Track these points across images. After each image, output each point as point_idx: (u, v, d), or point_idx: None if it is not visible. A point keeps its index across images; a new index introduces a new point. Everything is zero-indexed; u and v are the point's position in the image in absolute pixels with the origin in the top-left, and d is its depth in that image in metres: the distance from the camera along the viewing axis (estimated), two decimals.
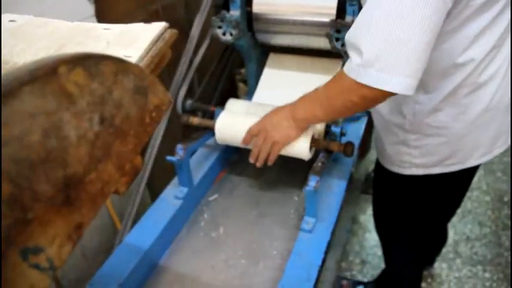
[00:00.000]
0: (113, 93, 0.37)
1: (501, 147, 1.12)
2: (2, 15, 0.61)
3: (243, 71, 2.19)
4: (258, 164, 1.12)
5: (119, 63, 0.38)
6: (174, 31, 0.50)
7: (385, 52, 0.79)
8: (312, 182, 1.04)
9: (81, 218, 0.35)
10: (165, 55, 0.49)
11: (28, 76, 0.30)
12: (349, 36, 0.87)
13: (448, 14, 0.82)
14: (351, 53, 0.86)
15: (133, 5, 1.66)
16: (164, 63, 0.49)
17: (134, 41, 0.49)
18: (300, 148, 1.10)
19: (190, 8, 1.93)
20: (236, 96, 2.16)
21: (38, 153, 0.30)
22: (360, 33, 0.83)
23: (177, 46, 1.89)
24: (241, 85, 2.22)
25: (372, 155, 1.96)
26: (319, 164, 1.09)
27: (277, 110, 1.10)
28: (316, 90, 1.01)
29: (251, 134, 1.12)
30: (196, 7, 1.69)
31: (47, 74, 0.31)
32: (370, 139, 1.82)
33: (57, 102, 0.32)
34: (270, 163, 1.11)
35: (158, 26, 0.50)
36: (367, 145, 1.96)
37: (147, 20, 1.77)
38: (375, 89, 0.82)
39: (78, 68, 0.34)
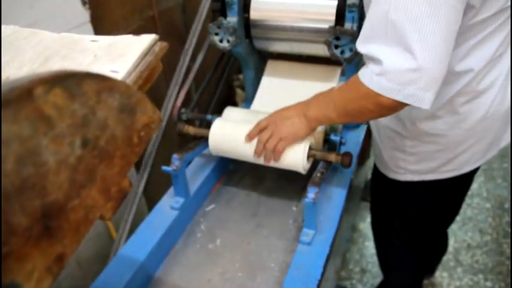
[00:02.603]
0: (96, 114, 0.35)
1: (495, 150, 1.11)
2: None
3: (241, 76, 2.17)
4: (263, 160, 1.08)
5: (103, 81, 0.36)
6: (165, 44, 0.48)
7: (400, 64, 0.77)
8: (311, 193, 1.01)
9: (63, 248, 0.32)
10: (155, 69, 0.46)
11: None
12: (361, 43, 0.85)
13: None
14: (367, 60, 0.84)
15: (129, 10, 1.64)
16: (154, 78, 0.47)
17: (122, 54, 0.46)
18: (296, 162, 1.08)
19: (187, 13, 1.91)
20: (234, 102, 2.14)
21: (12, 183, 0.28)
22: (372, 43, 0.81)
23: (173, 52, 1.87)
24: (239, 91, 2.20)
25: (372, 162, 1.94)
26: (318, 174, 1.07)
27: (289, 106, 1.06)
28: (331, 91, 0.98)
29: (259, 127, 1.07)
30: (193, 12, 1.67)
31: (21, 96, 0.29)
32: (370, 145, 1.79)
33: (33, 126, 0.30)
34: (276, 160, 1.07)
35: (148, 39, 0.47)
36: (367, 151, 1.93)
37: (144, 26, 1.75)
38: (390, 99, 0.80)
39: (56, 89, 0.31)
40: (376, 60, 0.81)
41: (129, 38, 0.48)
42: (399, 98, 0.80)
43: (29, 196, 0.29)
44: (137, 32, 1.70)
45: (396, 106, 0.82)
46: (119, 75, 0.44)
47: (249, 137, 1.08)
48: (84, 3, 1.42)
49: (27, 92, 0.29)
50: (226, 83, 2.00)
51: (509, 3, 0.85)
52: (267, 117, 1.08)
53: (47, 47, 0.51)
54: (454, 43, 0.83)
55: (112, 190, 0.37)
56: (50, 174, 0.31)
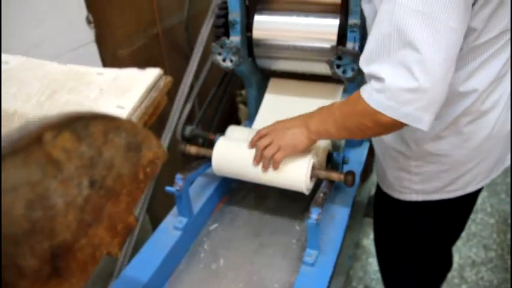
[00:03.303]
0: (103, 154, 0.35)
1: (499, 170, 1.12)
2: None
3: (243, 92, 2.18)
4: (262, 169, 1.09)
5: (110, 121, 0.36)
6: (169, 79, 0.48)
7: (401, 83, 0.78)
8: (314, 214, 1.01)
9: (71, 287, 0.32)
10: (160, 104, 0.47)
11: (10, 148, 0.28)
12: (364, 64, 0.86)
13: None
14: (368, 78, 0.85)
15: (134, 29, 1.66)
16: (159, 112, 0.47)
17: (127, 89, 0.47)
18: (299, 183, 1.08)
19: (190, 30, 1.93)
20: (237, 118, 2.15)
21: (21, 227, 0.28)
22: (374, 62, 0.82)
23: (177, 69, 1.88)
24: (241, 107, 2.21)
25: (374, 177, 1.93)
26: (321, 194, 1.07)
27: (291, 118, 1.07)
28: (333, 105, 0.99)
29: (260, 135, 1.09)
30: (197, 30, 1.68)
31: (31, 143, 0.29)
32: (372, 161, 1.79)
33: (43, 171, 0.30)
34: (274, 169, 1.08)
35: (153, 74, 0.48)
36: (370, 168, 1.93)
37: (148, 43, 1.76)
38: (388, 117, 0.81)
39: (65, 133, 0.32)
40: (378, 78, 0.82)
41: (134, 72, 0.49)
42: (396, 116, 0.80)
43: (38, 239, 0.29)
44: (141, 49, 1.71)
45: (394, 125, 0.83)
46: (124, 111, 0.45)
47: (251, 144, 1.10)
48: (89, 22, 1.43)
49: (36, 139, 0.30)
50: (229, 98, 2.01)
51: (509, 26, 0.86)
52: (269, 125, 1.09)
53: (54, 80, 0.51)
54: (456, 65, 0.84)
55: (118, 227, 0.38)
56: (58, 216, 0.31)
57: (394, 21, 0.76)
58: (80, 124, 0.33)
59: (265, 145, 1.06)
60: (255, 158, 1.09)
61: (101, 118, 0.35)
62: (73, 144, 0.32)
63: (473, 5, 0.79)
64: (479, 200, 2.20)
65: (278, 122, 1.08)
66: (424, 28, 0.74)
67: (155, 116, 0.47)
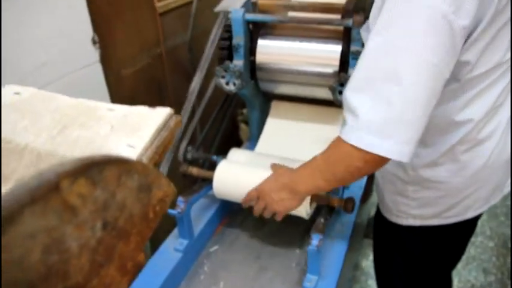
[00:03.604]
0: (116, 196, 0.36)
1: (497, 197, 1.12)
2: (7, 86, 0.60)
3: (244, 111, 2.20)
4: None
5: (123, 165, 0.37)
6: (179, 118, 0.50)
7: (380, 117, 0.79)
8: (315, 240, 1.02)
9: None
10: (169, 142, 0.48)
11: (28, 197, 0.29)
12: (345, 95, 0.87)
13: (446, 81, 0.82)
14: (346, 114, 0.85)
15: (137, 49, 1.68)
16: (167, 150, 0.49)
17: (138, 128, 0.48)
18: (300, 209, 1.09)
19: (193, 50, 1.95)
20: (238, 137, 2.16)
21: (38, 272, 0.29)
22: (355, 94, 0.83)
23: (179, 89, 1.89)
24: (243, 126, 2.22)
25: (374, 198, 1.94)
26: (322, 220, 1.08)
27: (276, 178, 1.07)
28: (315, 159, 0.97)
29: (250, 197, 1.11)
30: (200, 50, 1.70)
31: (49, 191, 0.30)
32: (373, 183, 1.80)
33: (59, 217, 0.31)
34: (277, 220, 1.10)
35: (163, 113, 0.49)
36: (370, 189, 1.94)
37: (151, 63, 1.78)
38: (372, 154, 0.81)
39: (81, 179, 0.33)
40: (354, 113, 0.82)
41: (145, 110, 0.50)
42: (379, 152, 0.80)
43: (53, 282, 0.30)
44: (144, 69, 1.73)
45: (380, 161, 0.83)
46: (136, 151, 0.46)
47: (243, 204, 1.13)
48: (94, 42, 1.45)
49: (54, 187, 0.31)
50: (230, 117, 2.02)
51: (505, 58, 0.88)
52: (257, 189, 1.09)
53: (65, 114, 0.53)
54: (451, 95, 0.85)
55: (128, 265, 0.39)
56: (72, 259, 0.32)
57: (380, 54, 0.78)
58: (95, 170, 0.34)
59: (260, 210, 1.09)
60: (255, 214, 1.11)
61: (114, 162, 0.36)
62: (88, 189, 0.33)
63: (466, 39, 0.80)
64: (479, 223, 2.20)
65: (264, 184, 1.08)
66: (408, 63, 0.76)
67: (164, 154, 0.48)
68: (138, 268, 0.41)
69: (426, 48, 0.75)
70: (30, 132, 0.51)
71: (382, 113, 0.78)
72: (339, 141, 0.87)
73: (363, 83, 0.82)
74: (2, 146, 0.50)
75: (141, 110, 0.51)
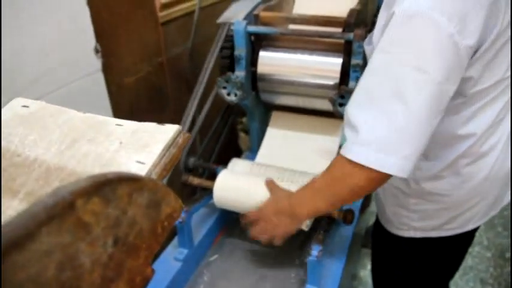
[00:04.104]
0: (127, 213, 0.37)
1: (497, 209, 1.14)
2: (15, 99, 0.61)
3: (244, 120, 2.21)
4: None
5: (134, 182, 0.38)
6: (187, 135, 0.51)
7: (382, 134, 0.79)
8: (315, 251, 1.03)
9: None
10: (176, 159, 0.49)
11: (45, 215, 0.30)
12: (347, 111, 0.87)
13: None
14: (347, 130, 0.86)
15: (139, 58, 1.69)
16: (174, 166, 0.50)
17: (147, 144, 0.49)
18: None
19: (194, 59, 1.96)
20: (237, 145, 2.17)
21: None
22: (358, 110, 0.84)
23: (180, 98, 1.90)
24: (242, 135, 2.23)
25: (372, 207, 1.95)
26: (322, 231, 1.09)
27: (276, 202, 1.07)
28: (313, 182, 0.97)
29: (248, 220, 1.11)
30: (200, 58, 1.72)
31: (65, 210, 0.31)
32: (371, 193, 1.81)
33: (73, 234, 0.32)
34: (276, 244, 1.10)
35: (171, 129, 0.50)
36: (368, 199, 1.95)
37: (152, 72, 1.80)
38: (373, 170, 0.81)
39: (95, 198, 0.34)
40: (354, 129, 0.83)
41: (153, 126, 0.51)
42: (383, 168, 0.81)
43: None
44: (146, 77, 1.75)
45: (381, 178, 0.83)
46: (145, 167, 0.47)
47: (243, 225, 1.13)
48: (96, 51, 1.46)
49: (69, 206, 0.32)
50: (230, 126, 2.03)
51: (507, 74, 0.90)
52: (257, 211, 1.09)
53: (74, 128, 0.54)
54: (454, 109, 0.86)
55: (137, 279, 0.40)
56: (85, 275, 0.33)
57: (385, 71, 0.79)
58: (108, 188, 0.35)
59: (258, 232, 1.08)
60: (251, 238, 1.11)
61: (126, 180, 0.37)
62: (101, 207, 0.34)
63: (471, 57, 0.82)
64: (476, 233, 2.21)
65: (264, 207, 1.09)
66: (412, 80, 0.77)
67: (170, 170, 0.49)
68: (146, 282, 0.41)
69: (431, 67, 0.76)
70: (39, 146, 0.52)
71: (384, 130, 0.79)
72: (339, 161, 0.87)
73: (366, 99, 0.82)
74: (11, 159, 0.51)
75: (150, 126, 0.52)
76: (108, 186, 0.35)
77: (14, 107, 0.59)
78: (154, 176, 0.48)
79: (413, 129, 0.79)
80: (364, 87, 0.84)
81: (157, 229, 0.41)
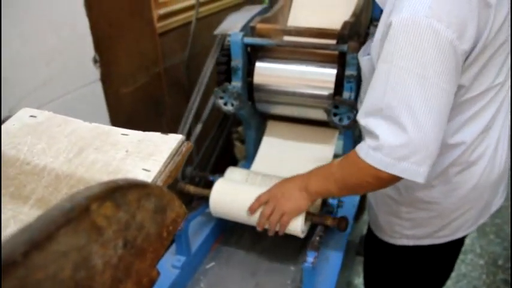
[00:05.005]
0: (136, 218, 0.40)
1: (485, 216, 1.17)
2: (22, 109, 0.64)
3: (239, 129, 2.23)
4: (269, 233, 1.13)
5: (142, 188, 0.41)
6: (190, 144, 0.53)
7: (394, 140, 0.83)
8: (310, 257, 1.05)
9: None
10: (180, 166, 0.52)
11: (63, 218, 0.33)
12: (361, 117, 0.90)
13: None
14: (365, 134, 0.90)
15: (136, 68, 1.72)
16: (177, 173, 0.52)
17: (152, 153, 0.52)
18: (295, 228, 1.12)
19: (191, 69, 1.99)
20: (232, 154, 2.19)
21: (67, 287, 0.33)
22: (370, 118, 0.87)
23: (177, 106, 1.93)
24: (237, 144, 2.25)
25: (367, 216, 1.96)
26: (317, 238, 1.11)
27: (289, 179, 1.11)
28: (331, 166, 1.03)
29: (260, 202, 1.13)
30: (197, 68, 1.75)
31: (81, 213, 0.34)
32: (365, 201, 1.83)
33: (88, 236, 0.34)
34: (281, 233, 1.12)
35: (175, 139, 0.53)
36: (363, 207, 1.97)
37: (150, 82, 1.82)
38: (386, 173, 0.86)
39: (107, 202, 0.36)
40: (372, 135, 0.87)
41: (158, 136, 0.54)
42: (395, 172, 0.85)
43: None
44: (143, 87, 1.77)
45: (393, 179, 0.88)
46: (151, 174, 0.50)
47: (251, 211, 1.14)
48: (95, 61, 1.49)
49: (85, 210, 0.34)
50: (225, 136, 2.06)
51: (496, 82, 0.93)
52: (268, 191, 1.13)
53: (81, 137, 0.56)
54: (446, 122, 0.89)
55: (144, 280, 0.42)
56: (97, 275, 0.35)
57: (390, 80, 0.82)
58: (119, 194, 0.38)
59: (269, 213, 1.10)
60: (258, 224, 1.13)
61: (135, 186, 0.40)
62: (113, 211, 0.37)
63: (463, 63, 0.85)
64: (469, 241, 2.25)
65: (276, 187, 1.12)
66: (418, 88, 0.80)
67: (175, 177, 0.51)
68: (152, 283, 0.44)
69: (435, 73, 0.79)
70: (47, 154, 0.54)
71: (396, 137, 0.83)
72: (355, 156, 0.91)
73: (375, 108, 0.86)
74: (21, 167, 0.54)
75: (155, 135, 0.54)
76: (119, 192, 0.37)
77: (22, 117, 0.62)
78: (159, 183, 0.50)
79: (423, 136, 0.82)
80: (372, 96, 0.87)
81: (163, 233, 0.44)
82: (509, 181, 1.31)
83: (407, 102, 0.81)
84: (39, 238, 0.31)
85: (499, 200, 1.17)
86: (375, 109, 0.86)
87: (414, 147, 0.82)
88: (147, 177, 0.50)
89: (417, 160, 0.83)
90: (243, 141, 2.11)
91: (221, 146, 1.71)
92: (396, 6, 0.82)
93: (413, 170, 0.84)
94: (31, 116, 0.62)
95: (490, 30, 0.82)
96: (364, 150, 0.89)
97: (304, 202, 1.07)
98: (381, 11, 0.93)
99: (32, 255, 0.30)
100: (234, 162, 2.14)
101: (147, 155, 0.52)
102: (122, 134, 0.55)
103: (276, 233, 1.13)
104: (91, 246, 0.34)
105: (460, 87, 0.88)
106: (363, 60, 1.02)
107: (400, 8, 0.81)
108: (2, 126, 0.60)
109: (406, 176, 0.85)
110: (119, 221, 0.37)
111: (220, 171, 1.37)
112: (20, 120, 0.61)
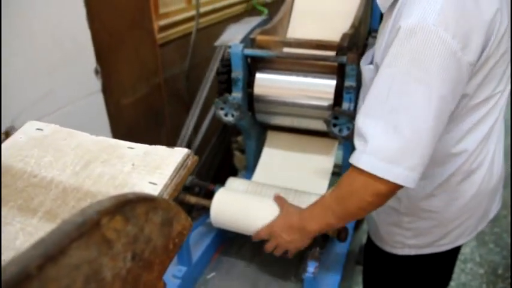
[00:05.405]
0: (144, 231, 0.41)
1: (484, 223, 1.17)
2: (29, 122, 0.65)
3: (239, 139, 2.24)
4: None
5: (150, 202, 0.42)
6: (196, 158, 0.54)
7: (389, 144, 0.83)
8: (311, 268, 1.06)
9: None
10: (185, 180, 0.53)
11: (76, 232, 0.34)
12: (359, 117, 0.91)
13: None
14: (356, 139, 0.90)
15: (137, 79, 1.73)
16: (183, 185, 0.53)
17: (159, 166, 0.53)
18: None
19: (191, 79, 2.01)
20: (232, 164, 2.20)
21: None
22: (366, 120, 0.88)
23: (177, 116, 1.94)
24: (237, 153, 2.26)
25: (366, 225, 1.97)
26: (318, 248, 1.12)
27: (286, 218, 1.11)
28: (324, 197, 1.02)
29: (260, 237, 1.14)
30: (196, 78, 1.76)
31: (92, 227, 0.35)
32: None
33: (98, 250, 0.35)
34: (289, 256, 1.14)
35: (181, 153, 0.54)
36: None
37: (150, 93, 1.83)
38: (381, 181, 0.85)
39: (117, 216, 0.37)
40: (365, 138, 0.87)
41: (163, 149, 0.55)
42: (389, 177, 0.84)
43: None
44: (143, 98, 1.78)
45: (391, 191, 0.88)
46: (157, 188, 0.51)
47: (254, 239, 1.16)
48: (96, 72, 1.50)
49: (96, 224, 0.35)
50: (225, 145, 2.07)
51: (496, 90, 0.94)
52: (267, 226, 1.13)
53: (87, 150, 0.57)
54: (448, 127, 0.90)
55: None
56: (107, 287, 0.36)
57: (392, 84, 0.83)
58: (128, 208, 0.39)
59: (272, 248, 1.12)
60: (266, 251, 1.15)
61: (143, 200, 0.41)
62: (122, 225, 0.38)
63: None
64: (468, 250, 2.25)
65: (275, 224, 1.13)
66: (418, 93, 0.81)
67: (180, 190, 0.52)
68: None
69: (436, 80, 0.80)
70: (54, 167, 0.55)
71: (391, 141, 0.83)
72: (347, 177, 0.92)
73: (374, 110, 0.86)
74: (28, 180, 0.55)
75: (161, 149, 0.55)
76: (129, 206, 0.38)
77: (28, 130, 0.63)
78: (166, 196, 0.51)
79: (417, 142, 0.82)
80: (372, 98, 0.87)
81: (169, 245, 0.45)
82: (510, 189, 1.33)
83: (408, 107, 0.82)
84: (53, 252, 0.32)
85: (496, 207, 1.18)
86: (375, 111, 0.86)
87: (409, 151, 0.83)
88: (154, 191, 0.51)
89: (410, 165, 0.84)
90: (242, 151, 2.12)
91: (221, 155, 1.72)
92: (404, 11, 0.83)
93: (405, 175, 0.84)
94: (37, 129, 0.63)
95: (494, 39, 0.84)
96: (355, 155, 0.88)
97: (305, 241, 1.08)
98: (381, 18, 0.94)
99: (46, 269, 0.31)
100: (234, 172, 2.15)
101: (153, 168, 0.53)
102: (128, 148, 0.56)
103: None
104: (101, 259, 0.35)
105: (464, 95, 0.89)
106: (365, 69, 1.03)
107: (408, 13, 0.81)
108: (9, 139, 0.61)
109: (400, 181, 0.85)
110: (128, 234, 0.38)
111: (219, 181, 1.38)
112: (26, 133, 0.62)
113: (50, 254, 0.32)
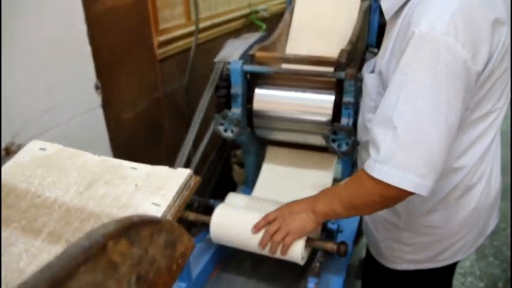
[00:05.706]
0: (148, 253, 0.41)
1: (483, 237, 1.18)
2: (32, 142, 0.65)
3: (238, 153, 2.25)
4: (267, 251, 1.13)
5: (155, 224, 0.42)
6: (198, 178, 0.55)
7: (400, 152, 0.84)
8: (311, 284, 1.06)
9: None
10: (187, 200, 0.54)
11: (82, 256, 0.34)
12: (371, 128, 0.92)
13: None
14: (370, 147, 0.91)
15: (136, 94, 1.74)
16: (184, 206, 0.54)
17: (162, 187, 0.53)
18: (295, 255, 1.12)
19: (190, 94, 2.02)
20: (231, 178, 2.20)
21: None
22: (379, 128, 0.89)
23: (176, 130, 1.94)
24: (236, 168, 2.26)
25: (365, 239, 1.97)
26: (317, 264, 1.12)
27: (297, 201, 1.12)
28: (337, 186, 1.04)
29: (267, 220, 1.12)
30: (195, 93, 1.77)
31: (98, 251, 0.35)
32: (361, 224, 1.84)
33: (104, 273, 0.36)
34: (282, 255, 1.12)
35: (183, 173, 0.54)
36: (361, 230, 1.98)
37: (149, 107, 1.84)
38: (392, 188, 0.86)
39: (122, 240, 0.38)
40: (377, 146, 0.88)
41: (166, 170, 0.56)
42: (402, 185, 0.85)
43: None
44: (143, 113, 1.79)
45: (400, 196, 0.89)
46: (161, 209, 0.51)
47: (256, 228, 1.13)
48: (97, 88, 1.51)
49: (102, 248, 0.36)
50: (224, 160, 2.08)
51: (496, 106, 0.95)
52: (276, 210, 1.13)
53: (90, 171, 0.58)
54: (453, 139, 0.91)
55: None
56: None
57: (404, 92, 0.84)
58: (133, 231, 0.39)
59: (274, 231, 1.10)
60: (261, 242, 1.12)
61: (148, 223, 0.41)
62: (127, 248, 0.38)
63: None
64: (468, 264, 2.25)
65: (284, 206, 1.13)
66: (430, 102, 0.82)
67: (183, 210, 0.53)
68: None
69: (447, 89, 0.81)
70: (58, 188, 0.56)
71: (401, 149, 0.84)
72: (362, 176, 0.92)
73: (386, 118, 0.87)
74: (32, 200, 0.55)
75: (163, 170, 0.56)
76: (134, 229, 0.39)
77: (32, 150, 0.63)
78: (169, 217, 0.52)
79: (429, 150, 0.83)
80: (384, 106, 0.89)
81: (173, 266, 0.45)
82: (509, 202, 1.33)
83: (418, 115, 0.83)
84: (60, 276, 0.32)
85: (494, 221, 1.19)
86: (385, 118, 0.87)
87: (420, 159, 0.84)
88: (157, 212, 0.52)
89: (422, 173, 0.84)
90: (241, 165, 2.13)
91: (220, 170, 1.73)
92: (414, 18, 0.85)
93: (418, 182, 0.85)
94: (41, 148, 0.63)
95: (499, 52, 0.85)
96: (369, 164, 0.90)
97: (310, 223, 1.07)
98: (378, 33, 0.96)
99: None
100: (233, 186, 2.15)
101: (156, 189, 0.53)
102: (131, 168, 0.57)
103: (276, 259, 1.13)
104: (107, 283, 0.36)
105: (465, 108, 0.91)
106: (367, 77, 1.04)
107: (419, 21, 0.83)
108: (13, 159, 0.62)
109: (412, 188, 0.85)
110: (133, 256, 0.38)
111: (218, 196, 1.38)
112: (30, 152, 0.63)
113: (57, 279, 0.32)
